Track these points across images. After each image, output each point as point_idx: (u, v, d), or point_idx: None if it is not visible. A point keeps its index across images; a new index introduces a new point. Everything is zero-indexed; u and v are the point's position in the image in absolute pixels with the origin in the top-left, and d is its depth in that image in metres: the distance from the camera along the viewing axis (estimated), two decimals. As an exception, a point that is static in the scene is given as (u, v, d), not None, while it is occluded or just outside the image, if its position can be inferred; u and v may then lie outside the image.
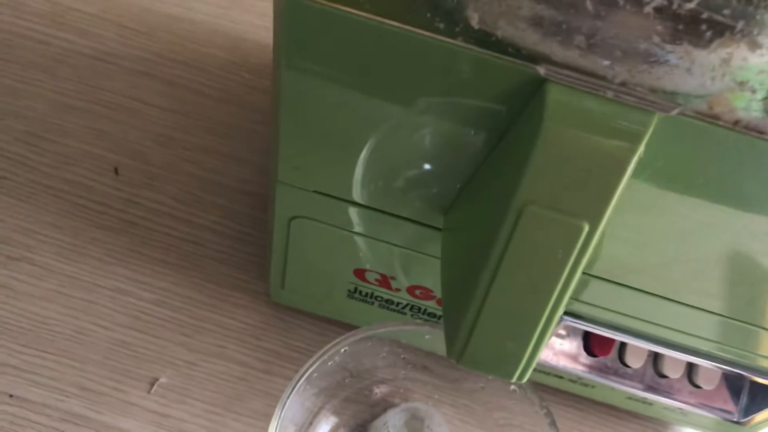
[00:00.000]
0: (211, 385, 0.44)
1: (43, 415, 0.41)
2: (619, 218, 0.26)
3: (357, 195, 0.32)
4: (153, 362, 0.44)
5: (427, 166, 0.30)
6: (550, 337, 0.31)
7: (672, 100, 0.23)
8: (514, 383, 0.40)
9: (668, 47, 0.22)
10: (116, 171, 0.49)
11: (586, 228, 0.25)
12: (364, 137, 0.29)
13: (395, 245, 0.35)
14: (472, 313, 0.27)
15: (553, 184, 0.24)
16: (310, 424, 0.41)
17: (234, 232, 0.48)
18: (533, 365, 0.28)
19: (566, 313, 0.36)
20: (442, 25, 0.23)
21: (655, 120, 0.23)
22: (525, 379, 0.29)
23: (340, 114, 0.28)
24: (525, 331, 0.27)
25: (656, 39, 0.22)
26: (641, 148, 0.23)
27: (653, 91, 0.23)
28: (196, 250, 0.47)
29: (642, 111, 0.23)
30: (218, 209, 0.49)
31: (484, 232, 0.27)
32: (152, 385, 0.43)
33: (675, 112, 0.23)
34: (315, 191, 0.33)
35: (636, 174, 0.24)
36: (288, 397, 0.37)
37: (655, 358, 0.41)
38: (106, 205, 0.48)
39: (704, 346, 0.36)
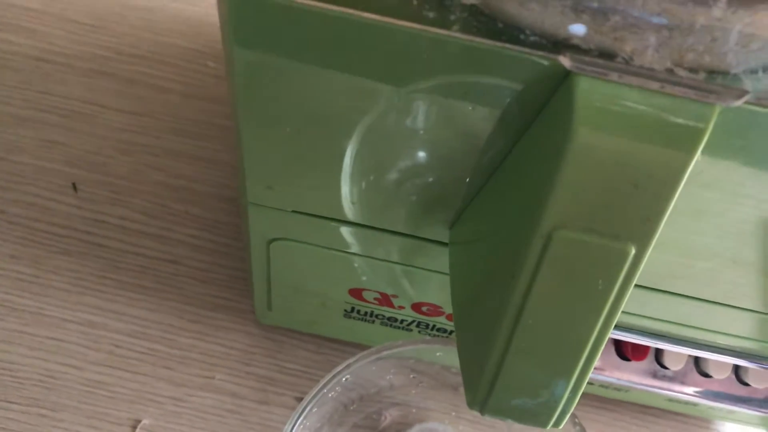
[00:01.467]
0: (201, 423, 0.39)
1: (15, 474, 0.37)
2: (665, 227, 0.21)
3: (345, 212, 0.27)
4: (134, 402, 0.39)
5: (425, 177, 0.25)
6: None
7: (737, 85, 0.18)
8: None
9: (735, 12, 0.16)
10: (75, 187, 0.44)
11: (633, 252, 0.20)
12: (345, 145, 0.24)
13: (394, 263, 0.30)
14: (496, 356, 0.22)
15: (588, 202, 0.19)
16: None
17: (213, 245, 0.43)
18: (571, 410, 0.24)
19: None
20: (431, 14, 0.17)
21: (716, 114, 0.18)
22: (562, 425, 0.24)
23: (314, 119, 0.23)
24: (560, 376, 0.22)
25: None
26: (699, 151, 0.18)
27: (713, 75, 0.17)
28: (172, 269, 0.42)
29: (699, 104, 0.18)
30: (193, 221, 0.44)
31: (504, 255, 0.22)
32: (135, 428, 0.38)
33: (741, 101, 0.18)
34: (294, 211, 0.28)
35: (689, 177, 0.19)
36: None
37: (697, 358, 0.36)
38: (68, 227, 0.43)
39: (752, 347, 0.32)
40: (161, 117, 0.46)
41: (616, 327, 0.31)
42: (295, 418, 0.33)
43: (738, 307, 0.28)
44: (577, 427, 0.35)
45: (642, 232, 0.19)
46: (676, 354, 0.35)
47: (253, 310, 0.41)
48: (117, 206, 0.44)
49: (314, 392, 0.33)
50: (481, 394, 0.23)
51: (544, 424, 0.24)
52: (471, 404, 0.24)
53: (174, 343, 0.41)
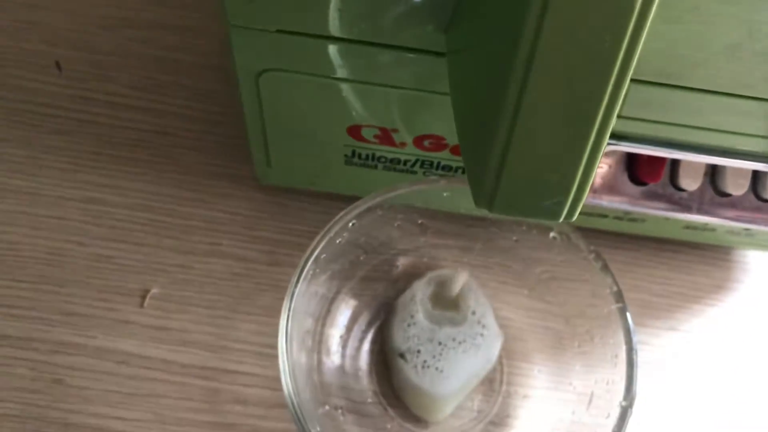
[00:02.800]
0: (211, 288, 0.38)
1: (30, 349, 0.36)
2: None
3: (332, 25, 0.25)
4: (141, 273, 0.38)
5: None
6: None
7: None
8: (553, 230, 0.35)
9: None
10: (58, 66, 0.42)
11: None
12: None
13: (391, 86, 0.29)
14: (501, 141, 0.21)
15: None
16: (328, 311, 0.36)
17: (206, 114, 0.42)
18: (584, 198, 0.23)
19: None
20: None
21: None
22: (574, 217, 0.23)
23: None
24: (570, 153, 0.21)
25: None
26: None
27: None
28: (166, 141, 0.41)
29: None
30: (183, 91, 0.42)
31: (503, 33, 0.20)
32: (144, 298, 0.38)
33: None
34: (279, 30, 0.26)
35: None
36: (296, 285, 0.32)
37: (713, 176, 0.35)
38: (56, 107, 0.41)
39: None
40: (141, -10, 0.44)
41: (631, 139, 0.30)
42: (303, 264, 0.32)
43: (758, 98, 0.27)
44: (600, 263, 0.34)
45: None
46: (692, 171, 0.34)
47: (254, 176, 0.40)
48: (104, 82, 0.42)
49: (321, 235, 0.32)
50: (487, 187, 0.22)
51: (555, 216, 0.23)
52: (478, 201, 0.23)
53: (176, 213, 0.40)
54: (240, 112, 0.32)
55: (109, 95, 0.42)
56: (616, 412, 0.31)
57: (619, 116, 0.28)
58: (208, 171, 0.41)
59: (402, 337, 0.36)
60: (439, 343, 0.36)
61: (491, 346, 0.36)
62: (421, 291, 0.36)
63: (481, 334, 0.37)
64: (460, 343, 0.36)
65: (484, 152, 0.22)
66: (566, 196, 0.22)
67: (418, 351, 0.36)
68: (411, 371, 0.36)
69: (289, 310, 0.31)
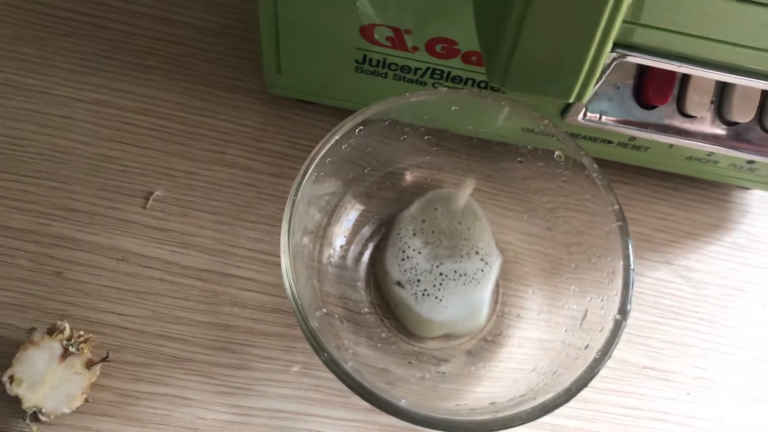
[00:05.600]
0: (215, 194, 0.39)
1: (32, 242, 0.37)
2: None
3: None
4: (146, 175, 0.39)
5: None
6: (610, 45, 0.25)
7: None
8: (557, 150, 0.35)
9: None
10: (74, -30, 0.42)
11: None
12: None
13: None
14: (517, 13, 0.21)
15: None
16: (335, 206, 0.36)
17: (220, 27, 0.42)
18: (594, 78, 0.23)
19: (619, 45, 0.29)
20: None
21: None
22: (585, 99, 0.23)
23: None
24: (584, 26, 0.21)
25: None
26: None
27: None
28: (179, 50, 0.41)
29: None
30: (199, 3, 0.42)
31: None
32: (147, 199, 0.38)
33: None
34: None
35: None
36: (301, 181, 0.32)
37: (720, 104, 0.35)
38: (69, 10, 0.41)
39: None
40: None
41: (642, 50, 0.30)
42: (308, 162, 0.32)
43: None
44: (604, 180, 0.34)
45: None
46: (700, 96, 0.34)
47: (264, 90, 0.40)
48: (119, -10, 0.42)
49: (328, 136, 0.33)
50: (501, 62, 0.23)
51: (566, 94, 0.23)
52: (491, 77, 0.23)
53: (185, 120, 0.40)
54: (254, 27, 0.32)
55: (124, 2, 0.42)
56: (609, 326, 0.32)
57: (632, 23, 0.28)
58: (218, 82, 0.41)
59: (397, 270, 0.36)
60: (441, 274, 0.37)
61: (490, 282, 0.37)
62: (421, 208, 0.37)
63: (482, 270, 0.37)
64: (461, 275, 0.37)
65: (499, 27, 0.22)
66: (577, 75, 0.23)
67: (418, 281, 0.36)
68: (410, 298, 0.36)
69: (292, 206, 0.31)
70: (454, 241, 0.38)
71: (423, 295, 0.36)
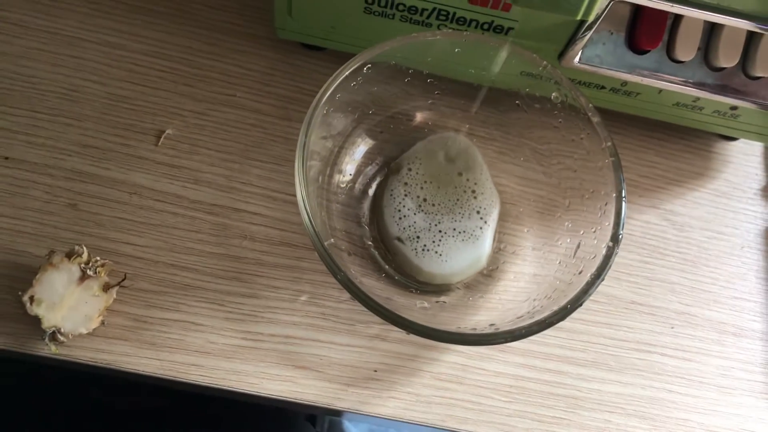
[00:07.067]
0: (224, 134, 0.40)
1: (46, 174, 0.38)
2: None
3: None
4: (157, 115, 0.40)
5: None
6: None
7: None
8: (554, 92, 0.37)
9: None
10: None
11: None
12: None
13: None
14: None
15: None
16: (343, 143, 0.38)
17: (226, -25, 0.43)
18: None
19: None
20: None
21: None
22: (591, 16, 0.25)
23: None
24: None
25: None
26: None
27: None
28: (186, -4, 0.43)
29: None
30: (206, -49, 0.44)
31: None
32: (159, 138, 0.39)
33: None
34: None
35: None
36: (316, 109, 0.33)
37: (707, 50, 0.37)
38: (79, -44, 0.42)
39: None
40: None
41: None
42: (318, 98, 0.34)
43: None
44: (597, 117, 0.36)
45: None
46: (688, 41, 0.36)
47: (269, 37, 0.42)
48: (128, -63, 0.43)
49: (337, 73, 0.34)
50: (515, -20, 0.24)
51: (574, 13, 0.25)
52: (505, -6, 0.25)
53: (193, 63, 0.41)
54: None
55: (132, -50, 0.43)
56: (602, 252, 0.34)
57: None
58: (225, 28, 0.42)
59: (396, 228, 0.38)
60: (440, 231, 0.38)
61: (489, 236, 0.39)
62: (422, 150, 0.38)
63: (480, 228, 0.39)
64: (460, 233, 0.38)
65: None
66: (584, -6, 0.25)
67: (418, 237, 0.38)
68: (410, 253, 0.38)
69: (306, 135, 0.33)
70: (454, 196, 0.39)
71: (423, 250, 0.38)
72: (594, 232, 0.35)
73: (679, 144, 0.44)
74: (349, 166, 0.39)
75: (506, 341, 0.31)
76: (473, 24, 0.36)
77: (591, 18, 0.25)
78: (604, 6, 0.32)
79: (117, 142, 0.39)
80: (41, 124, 0.39)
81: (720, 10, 0.32)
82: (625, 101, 0.40)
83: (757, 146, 0.46)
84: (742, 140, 0.45)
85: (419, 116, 0.40)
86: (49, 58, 0.40)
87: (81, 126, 0.39)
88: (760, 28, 0.32)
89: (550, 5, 0.25)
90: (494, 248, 0.40)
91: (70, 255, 0.34)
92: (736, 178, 0.44)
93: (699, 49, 0.37)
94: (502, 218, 0.40)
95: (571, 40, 0.36)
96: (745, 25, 0.32)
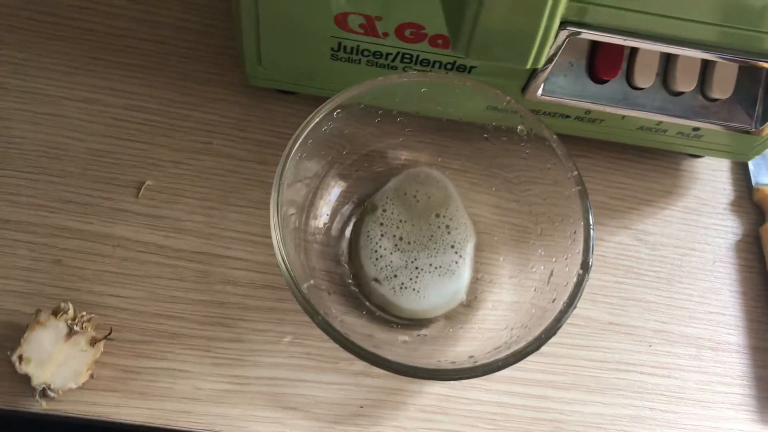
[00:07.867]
0: (203, 182, 0.41)
1: (30, 233, 0.39)
2: None
3: None
4: (136, 167, 0.41)
5: None
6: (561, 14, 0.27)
7: None
8: (519, 125, 0.38)
9: None
10: (57, -23, 0.44)
11: None
12: None
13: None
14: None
15: None
16: (318, 185, 0.39)
17: (198, 26, 0.45)
18: (548, 45, 0.26)
19: (571, 23, 0.33)
20: None
21: None
22: (540, 64, 0.26)
23: None
24: (535, 5, 0.24)
25: None
26: None
27: None
28: (160, 49, 0.44)
29: None
30: (177, 4, 0.45)
31: None
32: (139, 189, 0.40)
33: None
34: None
35: None
36: (288, 157, 0.34)
37: (665, 76, 0.38)
38: (54, 15, 0.44)
39: (718, 36, 0.33)
40: None
41: (592, 27, 0.33)
42: (291, 145, 0.35)
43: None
44: (562, 149, 0.37)
45: None
46: (646, 69, 0.37)
47: (244, 83, 0.43)
48: (101, -5, 0.44)
49: (309, 119, 0.35)
50: (465, 34, 0.25)
51: (523, 60, 0.26)
52: (456, 47, 0.26)
53: (170, 114, 0.42)
54: (231, 25, 0.34)
55: (106, 6, 0.44)
56: (573, 280, 0.35)
57: (582, 2, 0.32)
58: (200, 77, 0.43)
59: (373, 269, 0.39)
60: (416, 267, 0.39)
61: (466, 270, 0.40)
62: (396, 186, 0.39)
63: (456, 262, 0.40)
64: (436, 268, 0.39)
65: (462, 5, 0.25)
66: (532, 43, 0.26)
67: (395, 275, 0.39)
68: (388, 293, 0.38)
69: (279, 182, 0.34)
70: (428, 231, 0.40)
71: (401, 288, 0.39)
72: (566, 258, 0.36)
73: (647, 164, 0.45)
74: (325, 207, 0.40)
75: (485, 374, 0.32)
76: (437, 65, 0.37)
77: (541, 65, 0.26)
78: (559, 44, 0.34)
79: (98, 196, 0.40)
80: (24, 183, 0.40)
81: (671, 41, 0.33)
82: (590, 128, 0.41)
83: (724, 161, 0.47)
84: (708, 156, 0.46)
85: (392, 153, 0.41)
86: (30, 117, 0.41)
87: (63, 182, 0.40)
88: (711, 57, 0.34)
89: (500, 58, 0.26)
90: (472, 278, 0.41)
91: (56, 312, 0.35)
92: (705, 194, 0.45)
93: (657, 75, 0.38)
94: (479, 248, 0.41)
95: (533, 75, 0.37)
96: (697, 54, 0.34)
